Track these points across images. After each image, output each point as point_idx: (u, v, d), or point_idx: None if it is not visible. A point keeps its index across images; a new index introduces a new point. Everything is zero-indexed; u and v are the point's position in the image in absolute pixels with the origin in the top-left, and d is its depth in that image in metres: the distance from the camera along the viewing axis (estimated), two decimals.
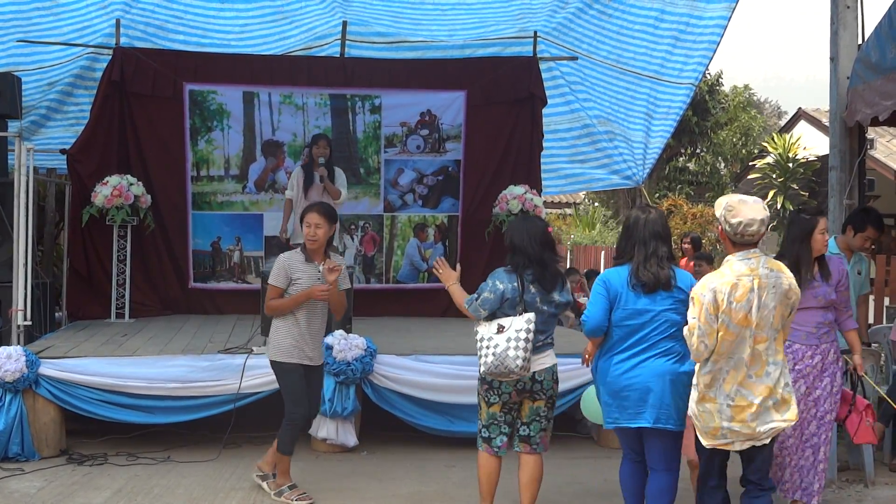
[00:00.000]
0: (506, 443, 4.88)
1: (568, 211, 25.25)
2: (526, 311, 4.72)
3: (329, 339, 6.56)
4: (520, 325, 4.65)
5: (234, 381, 6.45)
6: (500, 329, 4.68)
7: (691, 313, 4.18)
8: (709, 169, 23.66)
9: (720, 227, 4.21)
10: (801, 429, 4.95)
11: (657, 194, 21.72)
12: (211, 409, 6.53)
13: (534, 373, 4.75)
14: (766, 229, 4.17)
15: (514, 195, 9.39)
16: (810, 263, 4.96)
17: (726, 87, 25.41)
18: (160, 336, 7.77)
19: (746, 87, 26.40)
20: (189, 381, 6.48)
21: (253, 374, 6.48)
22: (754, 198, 4.25)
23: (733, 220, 4.10)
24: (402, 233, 10.07)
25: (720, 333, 4.09)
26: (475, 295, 4.81)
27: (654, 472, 4.53)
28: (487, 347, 4.68)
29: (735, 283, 4.08)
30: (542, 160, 10.12)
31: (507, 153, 10.02)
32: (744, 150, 23.70)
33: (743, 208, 4.12)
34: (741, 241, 4.14)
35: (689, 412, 4.28)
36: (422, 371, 6.62)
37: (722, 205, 4.20)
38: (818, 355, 4.98)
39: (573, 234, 23.45)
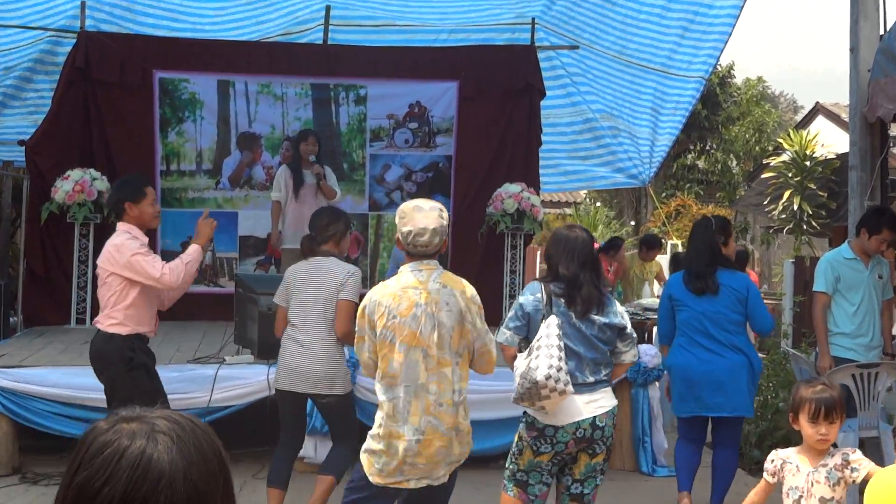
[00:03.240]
0: (545, 493, 4.38)
1: (568, 211, 25.22)
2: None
3: None
4: (540, 332, 4.14)
5: (203, 394, 6.39)
6: (529, 351, 4.18)
7: (358, 324, 4.10)
8: (720, 167, 23.67)
9: (397, 235, 4.09)
10: None
11: (664, 194, 21.72)
12: None
13: (594, 418, 4.21)
14: (441, 240, 4.05)
15: (510, 194, 9.31)
16: None
17: (738, 80, 25.45)
18: None
19: (760, 79, 26.41)
20: None
21: (224, 386, 6.45)
22: (433, 204, 4.12)
23: (404, 229, 4.01)
24: (389, 234, 9.91)
25: (385, 352, 3.97)
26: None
27: (723, 447, 5.65)
28: (516, 374, 4.18)
29: (399, 296, 3.97)
30: (539, 155, 10.08)
31: (502, 148, 9.96)
32: (757, 147, 23.72)
33: (416, 216, 4.00)
34: (413, 251, 4.03)
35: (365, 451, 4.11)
36: None
37: (399, 210, 4.12)
38: None
39: None
